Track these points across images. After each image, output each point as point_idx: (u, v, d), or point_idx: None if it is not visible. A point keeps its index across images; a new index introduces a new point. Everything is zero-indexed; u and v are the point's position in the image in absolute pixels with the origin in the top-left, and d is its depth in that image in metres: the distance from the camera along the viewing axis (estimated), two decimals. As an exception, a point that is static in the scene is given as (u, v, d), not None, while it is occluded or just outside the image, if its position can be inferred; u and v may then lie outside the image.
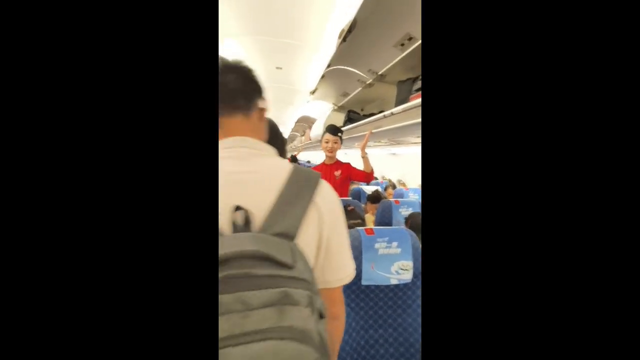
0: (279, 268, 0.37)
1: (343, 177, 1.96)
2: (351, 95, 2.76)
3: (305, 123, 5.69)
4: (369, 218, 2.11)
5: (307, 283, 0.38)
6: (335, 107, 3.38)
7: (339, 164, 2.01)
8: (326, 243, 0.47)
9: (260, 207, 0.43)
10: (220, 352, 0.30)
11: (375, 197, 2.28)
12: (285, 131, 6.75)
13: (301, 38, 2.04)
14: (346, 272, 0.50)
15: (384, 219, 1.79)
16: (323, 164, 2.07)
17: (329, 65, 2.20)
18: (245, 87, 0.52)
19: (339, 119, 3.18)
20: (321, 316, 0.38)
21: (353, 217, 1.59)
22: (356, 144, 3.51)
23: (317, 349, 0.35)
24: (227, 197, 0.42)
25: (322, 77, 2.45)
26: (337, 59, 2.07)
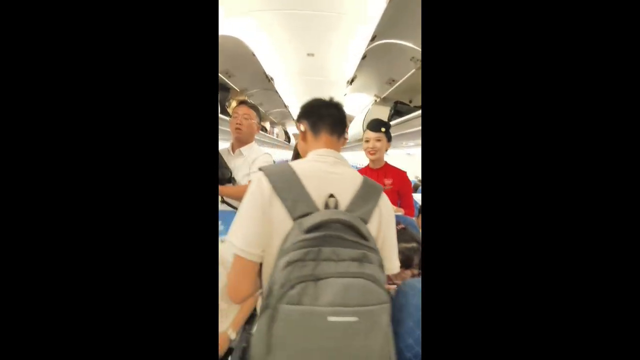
0: (360, 237, 0.55)
1: (394, 189, 1.48)
2: (400, 82, 2.25)
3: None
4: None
5: (377, 252, 0.57)
6: (378, 99, 2.88)
7: (389, 170, 1.52)
8: (382, 237, 0.65)
9: (343, 197, 0.61)
10: (322, 281, 0.49)
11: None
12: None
13: (338, 7, 1.61)
14: (392, 265, 0.67)
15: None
16: (368, 167, 1.61)
17: (372, 39, 1.73)
18: (343, 120, 0.74)
19: (383, 114, 2.68)
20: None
21: (405, 238, 0.97)
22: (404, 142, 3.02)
23: (383, 288, 0.53)
24: (321, 187, 0.60)
25: (364, 57, 1.98)
26: (383, 29, 1.60)
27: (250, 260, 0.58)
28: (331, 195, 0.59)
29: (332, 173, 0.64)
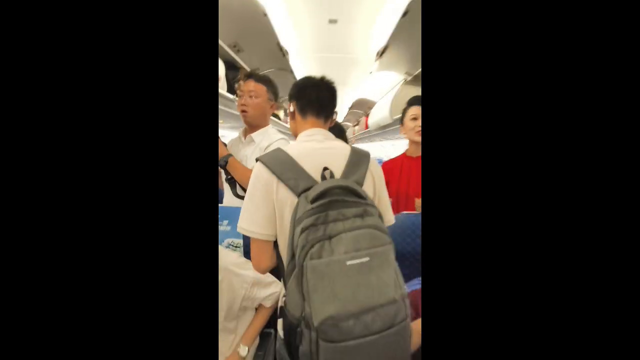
0: (358, 197, 0.62)
1: None
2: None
3: (360, 109, 4.79)
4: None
5: (374, 206, 0.64)
6: (408, 78, 2.48)
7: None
8: (378, 196, 0.74)
9: (337, 167, 0.68)
10: (335, 238, 0.56)
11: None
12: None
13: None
14: (388, 218, 0.76)
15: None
16: (404, 155, 1.33)
17: (405, 14, 1.36)
18: (332, 104, 0.78)
19: (413, 95, 2.29)
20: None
21: None
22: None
23: (385, 233, 0.61)
24: (315, 162, 0.66)
25: (404, 14, 1.58)
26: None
27: (264, 240, 0.67)
28: (325, 168, 0.66)
29: (323, 148, 0.71)
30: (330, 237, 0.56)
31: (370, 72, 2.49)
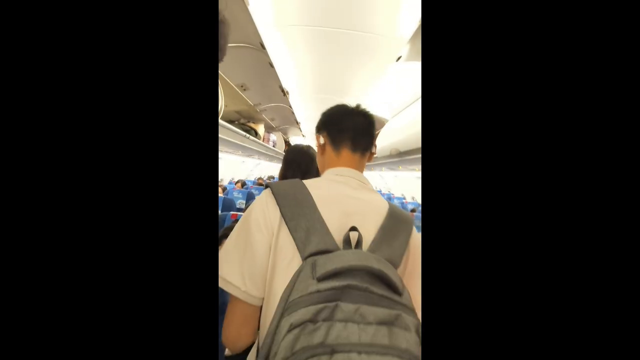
0: (391, 292, 0.39)
1: None
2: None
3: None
4: None
5: (414, 312, 0.40)
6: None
7: None
8: (409, 281, 0.47)
9: (367, 231, 0.47)
10: (339, 355, 0.33)
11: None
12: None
13: (370, 28, 1.47)
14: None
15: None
16: None
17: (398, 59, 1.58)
18: (370, 132, 0.60)
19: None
20: None
21: None
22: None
23: None
24: (341, 215, 0.47)
25: (398, 59, 1.78)
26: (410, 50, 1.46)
27: (251, 304, 0.45)
28: (353, 228, 0.45)
29: (355, 199, 0.51)
30: (333, 352, 0.33)
31: (398, 58, 1.78)
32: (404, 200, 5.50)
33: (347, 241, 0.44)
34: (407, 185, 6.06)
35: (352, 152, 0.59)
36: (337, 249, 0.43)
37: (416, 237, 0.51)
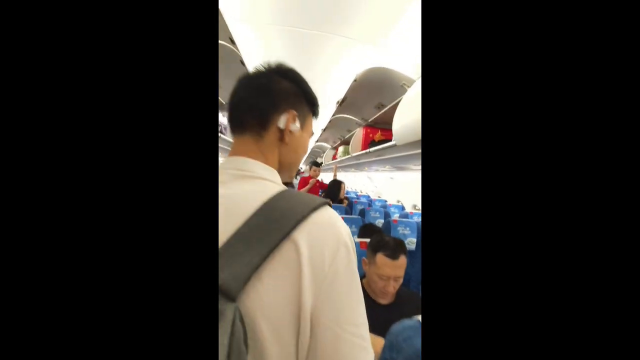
0: None
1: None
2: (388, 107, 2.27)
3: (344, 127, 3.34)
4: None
5: None
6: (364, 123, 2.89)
7: None
8: (310, 318, 0.33)
9: (223, 234, 0.35)
10: None
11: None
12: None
13: (344, 30, 1.61)
14: None
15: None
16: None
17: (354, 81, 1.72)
18: (260, 100, 0.44)
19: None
20: None
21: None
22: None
23: None
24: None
25: (355, 80, 1.97)
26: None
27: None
28: None
29: (222, 197, 0.36)
30: None
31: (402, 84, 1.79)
32: (409, 212, 3.40)
33: None
34: (405, 189, 4.51)
35: (236, 136, 0.44)
36: None
37: (316, 226, 0.35)
